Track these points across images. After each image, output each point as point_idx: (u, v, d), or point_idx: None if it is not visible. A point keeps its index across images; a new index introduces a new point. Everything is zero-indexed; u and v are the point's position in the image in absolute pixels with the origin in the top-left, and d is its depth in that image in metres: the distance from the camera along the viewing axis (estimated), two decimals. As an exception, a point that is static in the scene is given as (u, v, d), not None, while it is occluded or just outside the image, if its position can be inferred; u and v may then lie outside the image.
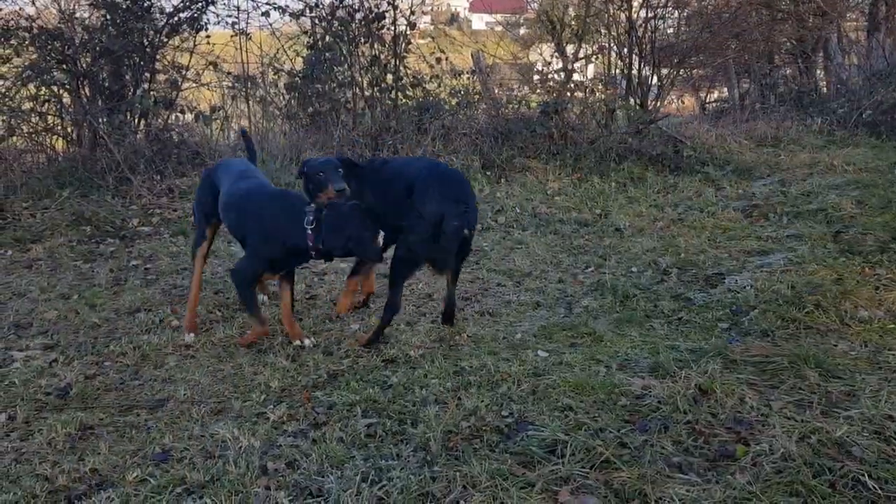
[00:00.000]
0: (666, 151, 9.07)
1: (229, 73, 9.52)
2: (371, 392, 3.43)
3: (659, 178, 8.45)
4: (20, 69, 8.14)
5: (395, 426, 3.11)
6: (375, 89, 9.22)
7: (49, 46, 8.26)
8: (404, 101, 9.39)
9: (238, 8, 10.86)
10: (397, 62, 9.24)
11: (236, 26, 9.26)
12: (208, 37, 9.15)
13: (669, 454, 2.79)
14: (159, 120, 8.70)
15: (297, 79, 9.39)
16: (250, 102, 9.72)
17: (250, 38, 9.51)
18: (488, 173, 8.42)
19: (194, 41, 9.09)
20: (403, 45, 9.21)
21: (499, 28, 15.78)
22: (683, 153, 9.19)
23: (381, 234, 3.91)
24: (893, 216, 5.98)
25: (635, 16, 10.69)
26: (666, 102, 11.54)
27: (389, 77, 9.26)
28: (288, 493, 2.60)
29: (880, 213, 6.14)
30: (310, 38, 9.27)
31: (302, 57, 9.59)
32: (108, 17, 8.48)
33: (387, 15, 9.10)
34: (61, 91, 8.48)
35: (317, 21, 9.28)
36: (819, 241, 5.61)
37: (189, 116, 8.95)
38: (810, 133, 10.84)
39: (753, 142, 10.17)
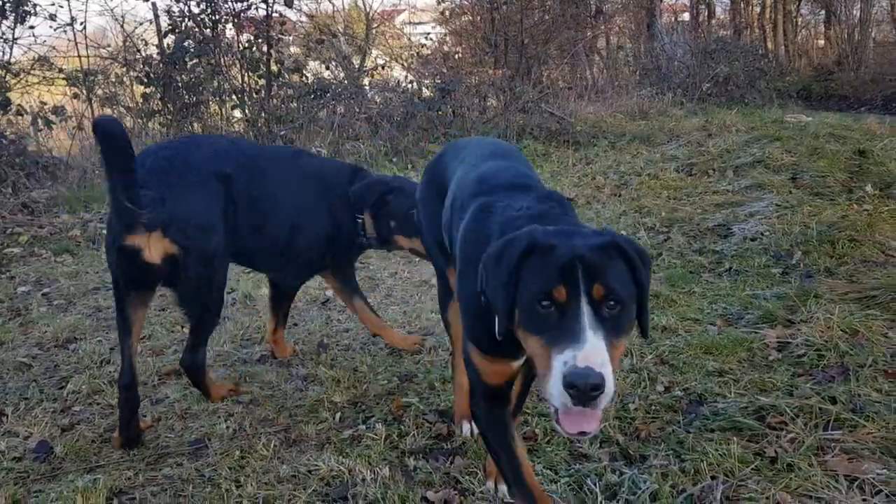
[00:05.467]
0: (560, 128, 8.92)
1: (61, 70, 8.03)
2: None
3: (565, 153, 8.23)
4: None
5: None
6: (254, 77, 8.22)
7: None
8: (282, 87, 8.45)
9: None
10: (269, 47, 8.27)
11: (56, 18, 7.76)
12: (32, 27, 7.64)
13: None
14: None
15: (148, 70, 8.09)
16: (92, 101, 8.24)
17: (84, 28, 8.06)
18: (394, 159, 7.76)
19: (13, 33, 7.54)
20: (278, 26, 8.28)
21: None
22: (573, 129, 9.06)
23: None
24: (829, 161, 6.12)
25: None
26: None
27: (265, 63, 8.27)
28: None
29: (815, 159, 6.26)
30: (169, 23, 8.04)
31: (155, 45, 8.33)
32: None
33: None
34: None
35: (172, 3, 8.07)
36: (782, 187, 5.58)
37: (27, 119, 7.43)
38: (671, 104, 11.21)
39: (627, 117, 10.28)
